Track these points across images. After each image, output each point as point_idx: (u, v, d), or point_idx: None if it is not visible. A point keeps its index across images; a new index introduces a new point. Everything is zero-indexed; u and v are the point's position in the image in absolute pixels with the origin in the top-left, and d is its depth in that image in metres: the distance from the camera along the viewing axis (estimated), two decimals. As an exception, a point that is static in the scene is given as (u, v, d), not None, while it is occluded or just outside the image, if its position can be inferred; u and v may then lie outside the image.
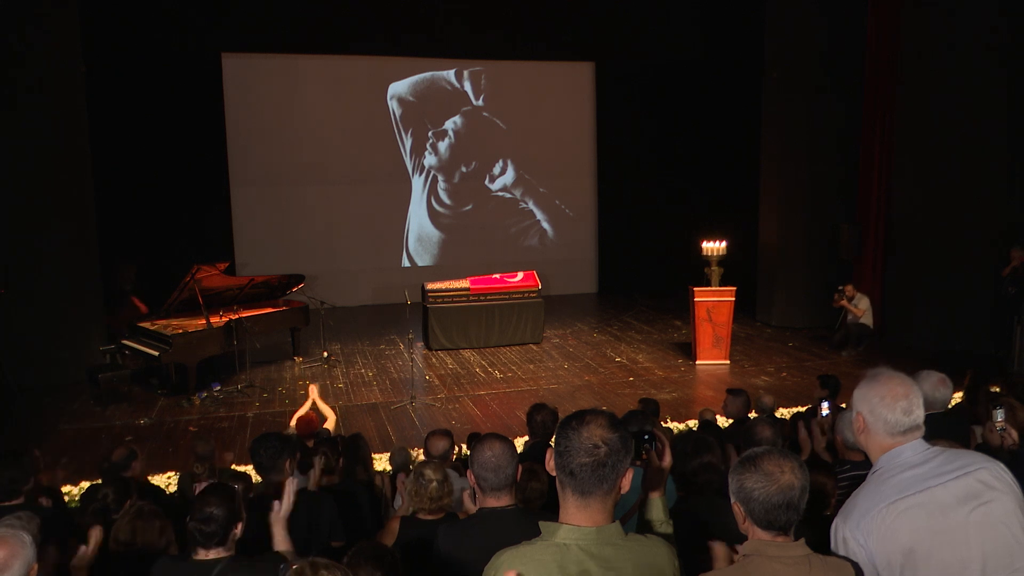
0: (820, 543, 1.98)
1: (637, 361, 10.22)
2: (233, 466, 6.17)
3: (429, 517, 3.00)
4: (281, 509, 2.74)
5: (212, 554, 2.49)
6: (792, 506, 1.81)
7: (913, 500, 1.88)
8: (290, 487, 2.79)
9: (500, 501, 2.42)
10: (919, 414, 1.99)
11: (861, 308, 10.30)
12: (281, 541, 2.73)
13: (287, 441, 3.41)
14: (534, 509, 3.12)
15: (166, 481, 6.11)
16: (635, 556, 1.71)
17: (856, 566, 1.87)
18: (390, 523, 3.13)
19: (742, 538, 1.91)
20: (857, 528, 1.89)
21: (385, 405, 8.42)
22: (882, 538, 1.86)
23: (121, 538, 2.84)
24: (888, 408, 1.99)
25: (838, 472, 3.41)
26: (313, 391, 6.40)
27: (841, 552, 1.93)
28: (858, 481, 3.21)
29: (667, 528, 2.08)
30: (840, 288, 10.46)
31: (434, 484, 3.02)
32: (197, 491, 2.62)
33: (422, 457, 5.93)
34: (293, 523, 3.13)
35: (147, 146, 12.54)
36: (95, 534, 2.79)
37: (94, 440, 7.48)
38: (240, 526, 2.56)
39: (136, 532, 2.84)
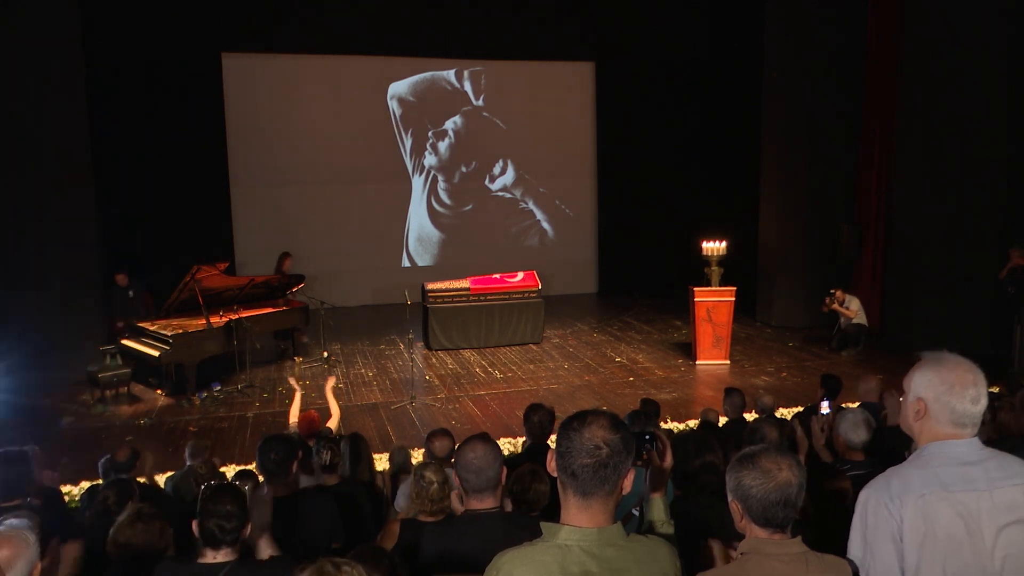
0: (830, 544, 1.97)
1: (637, 361, 10.22)
2: (232, 466, 6.18)
3: (430, 519, 2.99)
4: (258, 519, 2.71)
5: (220, 556, 2.48)
6: (790, 503, 1.81)
7: (957, 498, 1.84)
8: (264, 496, 2.76)
9: (484, 503, 2.42)
10: (984, 403, 1.91)
11: (852, 309, 10.32)
12: (266, 549, 2.71)
13: (293, 444, 3.41)
14: (537, 511, 3.11)
15: (165, 482, 6.10)
16: (637, 557, 1.71)
17: (852, 563, 1.86)
18: (391, 525, 3.13)
19: (739, 537, 1.90)
20: (892, 501, 1.84)
21: (385, 405, 8.42)
22: (914, 520, 1.83)
23: (120, 540, 2.83)
24: (957, 397, 1.88)
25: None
26: (327, 386, 6.37)
27: (870, 519, 1.87)
28: (859, 481, 3.22)
29: (668, 528, 2.08)
30: (831, 292, 10.49)
31: (435, 486, 3.02)
32: (201, 491, 2.61)
33: (421, 458, 5.94)
34: (293, 524, 3.13)
35: (147, 146, 12.54)
36: (71, 552, 2.71)
37: (94, 440, 7.47)
38: (249, 527, 2.56)
39: (136, 535, 2.83)
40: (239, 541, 2.52)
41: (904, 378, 2.01)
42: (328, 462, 3.95)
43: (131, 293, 9.89)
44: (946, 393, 1.89)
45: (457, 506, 2.56)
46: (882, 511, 1.85)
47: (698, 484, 2.89)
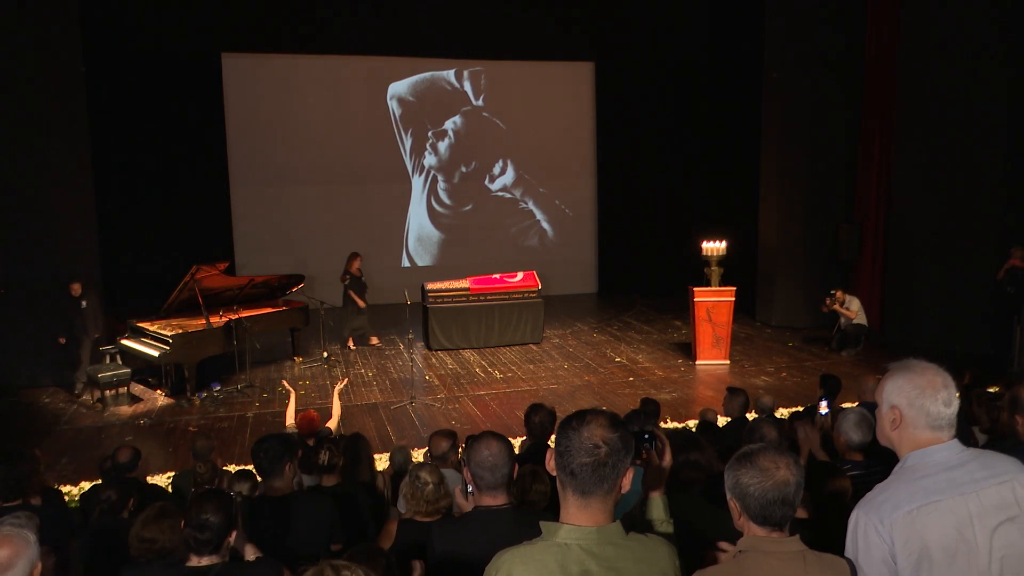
0: (829, 543, 1.96)
1: (637, 361, 10.21)
2: (232, 466, 6.17)
3: (426, 519, 2.99)
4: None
5: (205, 560, 2.48)
6: (787, 502, 1.81)
7: (945, 505, 1.82)
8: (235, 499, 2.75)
9: (496, 500, 2.42)
10: (956, 406, 1.90)
11: (853, 310, 10.32)
12: (250, 552, 2.71)
13: (287, 443, 3.39)
14: (538, 511, 3.11)
15: (165, 481, 6.11)
16: (636, 555, 1.71)
17: (850, 563, 1.86)
18: (388, 526, 3.13)
19: (727, 537, 1.90)
20: (881, 523, 1.84)
21: (385, 405, 8.42)
22: (906, 538, 1.82)
23: (147, 536, 2.83)
24: (930, 400, 1.89)
25: (838, 472, 3.41)
26: (336, 389, 6.37)
27: (860, 542, 1.87)
28: (859, 481, 3.22)
29: (668, 527, 2.08)
30: (831, 293, 10.48)
31: (430, 487, 3.01)
32: (192, 495, 2.60)
33: (422, 458, 5.93)
34: (287, 524, 3.12)
35: (147, 146, 12.55)
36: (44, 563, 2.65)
37: (94, 440, 7.48)
38: (235, 534, 2.54)
39: (162, 531, 2.83)
40: (222, 548, 2.50)
41: (875, 392, 2.01)
42: (327, 462, 3.94)
43: (84, 304, 8.88)
44: (919, 397, 1.89)
45: (463, 502, 2.56)
46: (872, 535, 1.84)
47: (679, 482, 2.88)
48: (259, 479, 3.74)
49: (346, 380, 6.50)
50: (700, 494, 2.85)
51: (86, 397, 8.68)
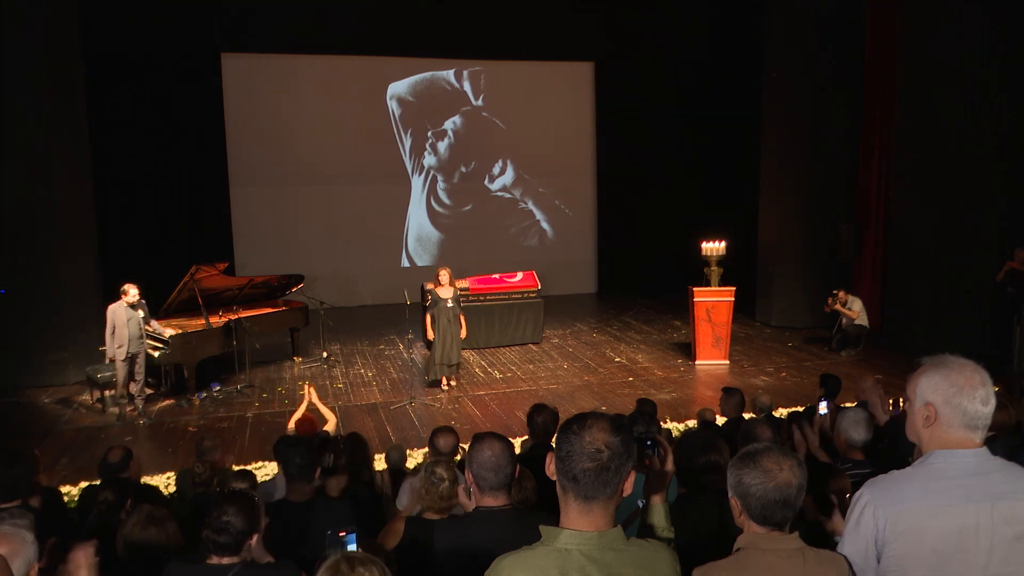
0: (829, 543, 1.96)
1: (637, 361, 10.21)
2: (233, 467, 6.17)
3: (435, 517, 2.98)
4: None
5: (225, 559, 2.49)
6: (789, 503, 1.81)
7: (954, 512, 1.79)
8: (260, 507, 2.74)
9: (498, 500, 2.40)
10: (994, 404, 1.85)
11: (855, 310, 10.32)
12: (261, 557, 2.70)
13: (315, 447, 3.40)
14: (537, 511, 3.10)
15: (165, 481, 6.10)
16: (637, 561, 1.70)
17: (847, 560, 1.86)
18: (394, 523, 3.11)
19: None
20: (882, 508, 1.81)
21: (385, 405, 8.42)
22: (903, 532, 1.80)
23: (131, 540, 2.82)
24: (967, 398, 1.82)
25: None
26: (311, 393, 6.34)
27: (855, 515, 1.85)
28: (859, 480, 3.21)
29: (668, 534, 2.07)
30: (833, 292, 10.48)
31: (446, 483, 2.99)
32: (216, 497, 2.59)
33: (420, 457, 5.91)
34: (312, 531, 3.11)
35: (147, 146, 12.55)
36: (85, 556, 2.43)
37: (94, 440, 7.47)
38: (256, 537, 2.53)
39: (148, 536, 2.82)
40: (242, 550, 2.50)
41: (907, 385, 1.93)
42: (331, 464, 3.94)
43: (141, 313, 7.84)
44: (956, 395, 1.83)
45: (466, 502, 2.55)
46: (867, 515, 1.84)
47: (701, 484, 2.88)
48: (258, 479, 3.73)
49: (313, 386, 6.45)
50: (718, 492, 2.84)
51: (85, 397, 8.64)
